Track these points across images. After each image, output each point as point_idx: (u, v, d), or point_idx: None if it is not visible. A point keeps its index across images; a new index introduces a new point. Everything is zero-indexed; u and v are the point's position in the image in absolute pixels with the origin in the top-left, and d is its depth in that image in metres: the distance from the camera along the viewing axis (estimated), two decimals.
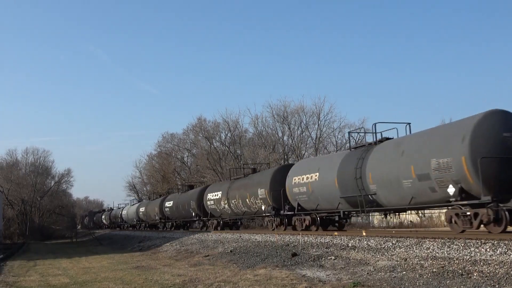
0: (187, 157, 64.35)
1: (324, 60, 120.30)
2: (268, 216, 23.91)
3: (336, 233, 17.83)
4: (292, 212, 21.64)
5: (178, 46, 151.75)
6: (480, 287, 8.63)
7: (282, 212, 22.43)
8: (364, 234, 16.27)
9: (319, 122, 48.62)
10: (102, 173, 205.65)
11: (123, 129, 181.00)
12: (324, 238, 16.58)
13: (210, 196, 31.20)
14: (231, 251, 18.99)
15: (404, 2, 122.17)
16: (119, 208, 67.70)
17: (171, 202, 40.44)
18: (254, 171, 28.44)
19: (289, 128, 49.80)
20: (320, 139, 48.33)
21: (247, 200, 25.31)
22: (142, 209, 51.21)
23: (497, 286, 8.54)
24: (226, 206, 28.19)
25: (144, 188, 77.24)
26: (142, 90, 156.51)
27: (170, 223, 42.25)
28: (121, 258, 23.63)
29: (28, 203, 65.41)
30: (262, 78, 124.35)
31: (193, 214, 34.59)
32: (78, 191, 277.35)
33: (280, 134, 50.72)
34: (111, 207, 77.66)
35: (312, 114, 48.91)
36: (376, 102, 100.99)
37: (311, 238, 17.19)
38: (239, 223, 31.61)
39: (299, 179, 20.81)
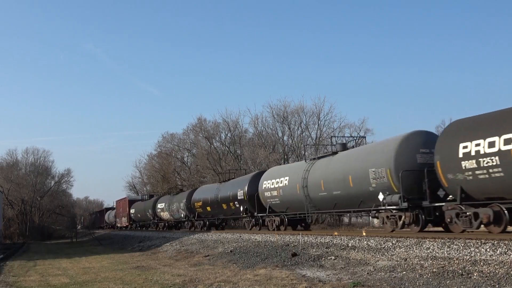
0: (187, 157, 64.38)
1: (324, 60, 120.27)
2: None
3: (336, 233, 17.83)
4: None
5: (178, 46, 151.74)
6: (480, 287, 8.64)
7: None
8: (364, 234, 16.27)
9: (319, 122, 48.68)
10: (102, 173, 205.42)
11: (123, 129, 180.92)
12: (324, 238, 16.59)
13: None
14: (231, 251, 18.99)
15: (404, 2, 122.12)
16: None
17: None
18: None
19: (289, 128, 49.87)
20: (320, 139, 48.34)
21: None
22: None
23: (497, 286, 8.54)
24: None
25: (144, 188, 77.20)
26: (142, 90, 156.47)
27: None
28: (121, 258, 23.63)
29: (28, 203, 65.44)
30: (262, 78, 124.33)
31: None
32: (78, 191, 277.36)
33: (280, 134, 50.79)
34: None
35: (312, 114, 48.99)
36: (376, 102, 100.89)
37: (311, 238, 17.20)
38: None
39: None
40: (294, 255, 15.10)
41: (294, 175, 21.46)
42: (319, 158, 20.87)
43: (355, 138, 20.00)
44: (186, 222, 36.98)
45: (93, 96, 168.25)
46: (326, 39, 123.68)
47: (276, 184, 22.65)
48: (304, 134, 49.72)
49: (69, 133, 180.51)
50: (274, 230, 23.24)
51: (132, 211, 53.56)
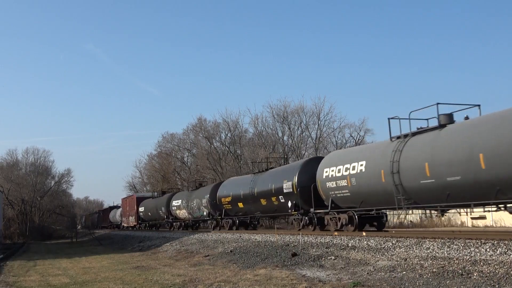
0: (187, 157, 64.47)
1: (324, 60, 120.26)
2: None
3: (336, 233, 17.80)
4: None
5: (178, 46, 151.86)
6: (480, 287, 8.64)
7: None
8: (364, 234, 16.26)
9: (319, 122, 48.75)
10: (102, 173, 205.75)
11: (123, 129, 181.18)
12: (324, 238, 16.58)
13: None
14: (231, 251, 18.98)
15: (404, 2, 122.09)
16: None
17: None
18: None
19: (289, 128, 49.95)
20: (320, 139, 48.41)
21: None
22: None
23: (497, 286, 8.55)
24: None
25: (144, 188, 77.29)
26: (142, 90, 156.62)
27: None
28: (121, 258, 23.63)
29: (28, 203, 65.50)
30: (262, 78, 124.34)
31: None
32: (78, 191, 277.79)
33: (280, 134, 50.86)
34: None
35: (312, 114, 49.07)
36: (376, 102, 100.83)
37: (311, 238, 17.19)
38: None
39: None
40: (294, 255, 15.10)
41: (374, 159, 16.54)
42: (413, 134, 15.50)
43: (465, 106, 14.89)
44: (209, 221, 32.59)
45: (93, 96, 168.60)
46: (326, 39, 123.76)
47: (345, 171, 17.59)
48: (304, 134, 49.85)
49: (69, 133, 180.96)
50: (336, 230, 18.49)
51: (141, 209, 48.94)
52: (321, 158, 20.99)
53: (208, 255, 19.47)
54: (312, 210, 19.98)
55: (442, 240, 12.20)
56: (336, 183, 18.12)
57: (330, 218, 19.11)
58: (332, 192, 18.49)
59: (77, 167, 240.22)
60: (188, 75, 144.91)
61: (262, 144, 49.06)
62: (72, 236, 55.25)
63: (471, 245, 11.19)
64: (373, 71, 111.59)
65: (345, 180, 17.57)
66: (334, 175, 18.27)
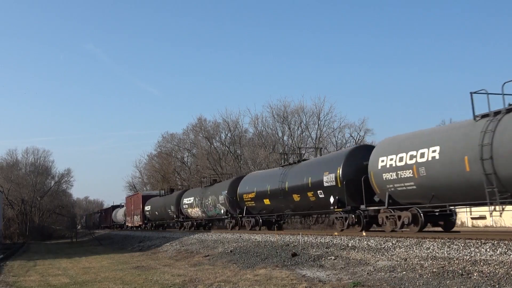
0: (187, 157, 64.50)
1: (324, 60, 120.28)
2: None
3: (336, 233, 17.78)
4: None
5: (178, 46, 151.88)
6: (480, 287, 8.64)
7: None
8: (364, 234, 16.26)
9: (319, 122, 48.75)
10: (102, 173, 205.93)
11: (123, 129, 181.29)
12: (324, 238, 16.58)
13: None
14: (231, 251, 18.98)
15: (404, 2, 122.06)
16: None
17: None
18: None
19: (289, 128, 49.97)
20: (320, 139, 48.40)
21: None
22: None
23: (497, 286, 8.55)
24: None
25: (144, 188, 77.32)
26: (142, 90, 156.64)
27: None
28: (121, 258, 23.63)
29: (28, 203, 65.52)
30: (262, 78, 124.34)
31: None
32: (78, 191, 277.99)
33: (280, 134, 50.89)
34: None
35: (312, 114, 49.10)
36: (376, 102, 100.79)
37: (311, 238, 17.19)
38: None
39: None
40: (294, 255, 15.10)
41: (453, 143, 13.38)
42: (508, 110, 12.40)
43: None
44: (227, 220, 29.29)
45: (93, 96, 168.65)
46: (326, 39, 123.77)
47: (410, 159, 14.57)
48: (304, 134, 49.87)
49: (69, 133, 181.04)
50: (392, 231, 15.61)
51: (147, 208, 45.68)
52: (370, 146, 18.82)
53: (208, 255, 19.48)
54: (363, 207, 17.06)
55: (442, 240, 12.20)
56: (396, 174, 15.02)
57: (386, 217, 16.06)
58: (391, 185, 15.39)
59: (77, 167, 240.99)
60: (188, 75, 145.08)
61: (262, 144, 49.07)
62: (72, 236, 55.25)
63: (471, 245, 11.19)
64: (373, 71, 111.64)
65: (410, 170, 14.51)
66: (393, 165, 15.13)
